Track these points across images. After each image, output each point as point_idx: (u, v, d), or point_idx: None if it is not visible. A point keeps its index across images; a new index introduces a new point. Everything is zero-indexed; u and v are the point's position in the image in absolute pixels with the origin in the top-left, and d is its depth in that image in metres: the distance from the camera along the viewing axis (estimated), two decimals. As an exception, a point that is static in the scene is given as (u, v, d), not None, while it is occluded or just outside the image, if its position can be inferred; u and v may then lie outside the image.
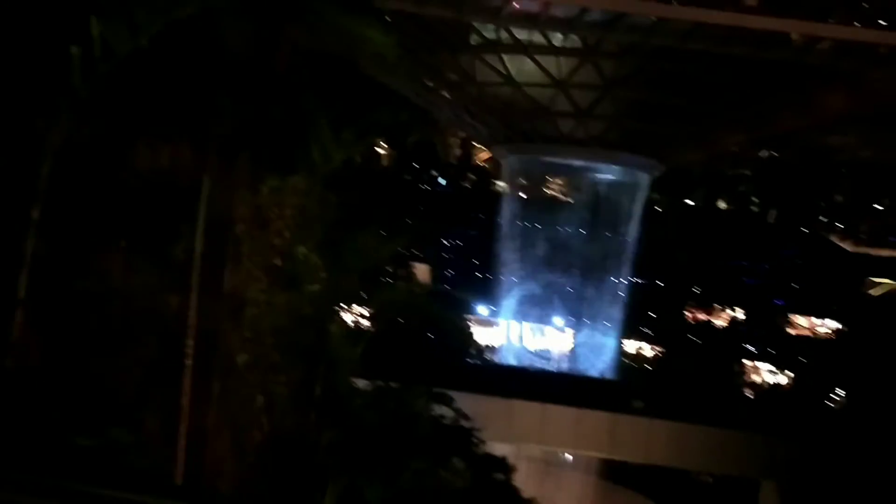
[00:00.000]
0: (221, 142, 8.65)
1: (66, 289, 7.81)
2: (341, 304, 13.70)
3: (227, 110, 8.41)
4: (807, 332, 56.35)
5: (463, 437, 15.91)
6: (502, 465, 17.06)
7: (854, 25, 33.87)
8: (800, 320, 57.33)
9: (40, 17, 7.26)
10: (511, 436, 28.91)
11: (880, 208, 61.03)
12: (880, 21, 34.04)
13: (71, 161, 7.23)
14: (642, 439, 30.25)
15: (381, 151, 60.00)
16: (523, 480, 18.27)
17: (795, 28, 33.57)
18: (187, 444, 8.63)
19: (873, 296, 55.66)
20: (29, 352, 7.10)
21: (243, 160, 9.60)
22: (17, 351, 6.70)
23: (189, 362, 8.73)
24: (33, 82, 7.16)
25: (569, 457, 42.19)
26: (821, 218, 62.34)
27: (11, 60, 7.19)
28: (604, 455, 34.98)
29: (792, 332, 56.26)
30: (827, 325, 55.93)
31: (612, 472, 39.85)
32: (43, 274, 7.10)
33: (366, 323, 19.40)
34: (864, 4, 34.55)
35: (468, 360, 42.29)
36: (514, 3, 33.46)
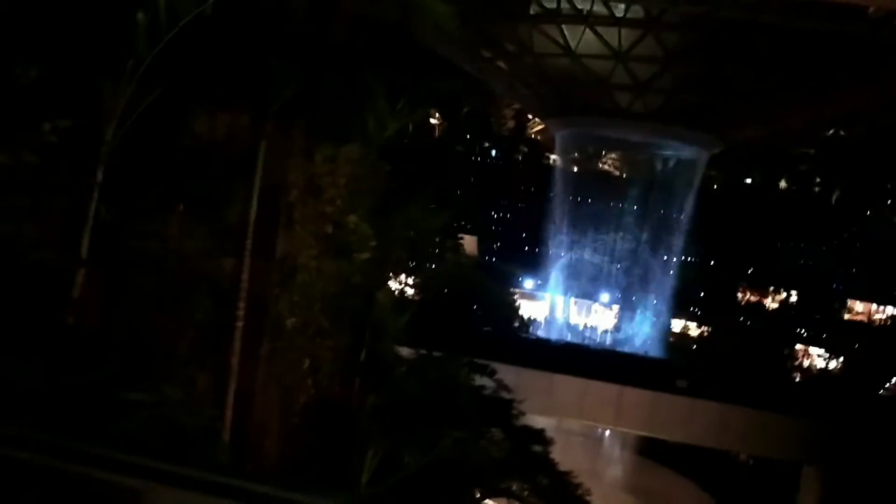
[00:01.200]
0: (278, 110, 8.75)
1: (125, 250, 8.09)
2: (389, 274, 13.85)
3: (284, 79, 8.49)
4: (862, 318, 54.69)
5: (503, 409, 16.02)
6: (541, 438, 17.14)
7: (937, 1, 32.00)
8: (857, 306, 55.62)
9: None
10: (551, 409, 28.96)
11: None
12: (966, -3, 32.06)
13: (133, 125, 7.42)
14: (683, 418, 29.96)
15: (434, 122, 59.79)
16: (561, 453, 18.33)
17: (874, 1, 31.87)
18: (235, 403, 8.92)
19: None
20: (88, 310, 7.40)
21: (299, 128, 9.71)
22: (77, 309, 7.00)
23: (240, 324, 8.98)
24: (99, 47, 7.33)
25: (607, 432, 42.14)
26: (887, 201, 59.92)
27: (79, 26, 7.37)
28: (644, 433, 34.80)
29: (847, 317, 54.66)
30: (887, 312, 54.17)
31: (651, 450, 39.70)
32: (104, 234, 7.36)
33: (412, 292, 19.59)
34: (949, -21, 32.57)
35: (512, 332, 42.36)
36: (576, -28, 32.60)
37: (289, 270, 10.17)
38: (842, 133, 61.03)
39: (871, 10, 32.36)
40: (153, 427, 5.92)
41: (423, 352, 14.35)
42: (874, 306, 55.55)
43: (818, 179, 61.56)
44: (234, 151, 9.01)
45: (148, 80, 7.35)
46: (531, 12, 38.68)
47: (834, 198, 60.69)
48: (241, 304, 8.99)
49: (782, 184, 62.45)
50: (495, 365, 16.15)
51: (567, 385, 29.85)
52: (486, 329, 34.73)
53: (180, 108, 8.40)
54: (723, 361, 42.35)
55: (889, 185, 60.36)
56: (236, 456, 8.41)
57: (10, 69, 7.05)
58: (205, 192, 8.81)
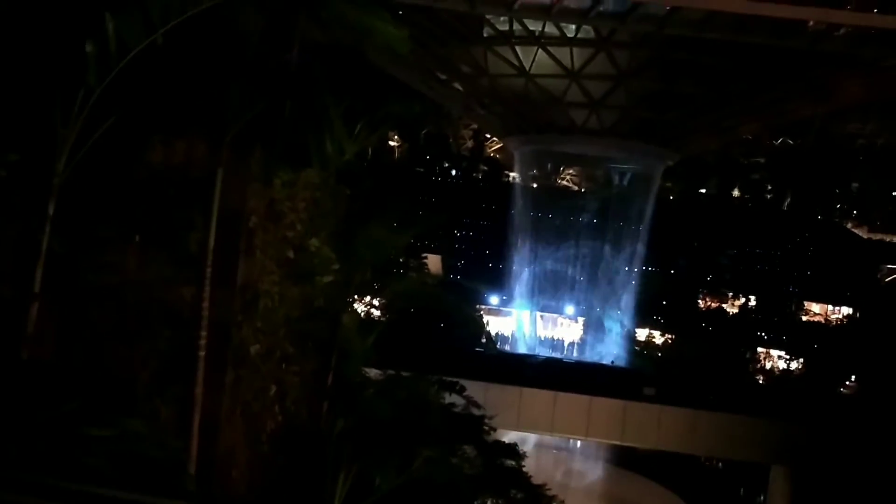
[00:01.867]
0: (235, 136, 8.73)
1: (81, 282, 7.95)
2: (354, 296, 13.80)
3: (240, 105, 8.49)
4: (820, 319, 56.05)
5: (474, 426, 16.01)
6: (513, 452, 17.16)
7: (872, 13, 33.40)
8: (814, 307, 57.01)
9: (56, 13, 7.35)
10: (522, 424, 29.04)
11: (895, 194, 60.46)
12: (898, 7, 33.55)
13: (86, 156, 7.34)
14: (654, 426, 30.31)
15: (394, 144, 60.03)
16: (534, 467, 18.38)
17: (812, 15, 33.12)
18: (200, 434, 8.77)
19: (888, 282, 55.33)
20: (44, 344, 7.24)
21: (256, 154, 9.68)
22: (32, 343, 6.84)
23: (203, 353, 8.86)
24: (49, 78, 7.25)
25: (579, 443, 42.33)
26: (836, 205, 61.83)
27: (27, 57, 7.29)
28: (615, 442, 35.06)
29: (805, 318, 55.99)
30: (841, 313, 55.64)
31: (622, 459, 39.95)
32: (58, 267, 7.23)
33: (378, 313, 19.53)
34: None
35: (480, 349, 42.42)
36: (526, -6, 33.26)
37: (251, 297, 10.08)
38: (790, 142, 63.00)
39: (811, 24, 33.62)
40: (117, 461, 5.80)
41: (391, 372, 14.30)
42: (830, 307, 57.05)
43: (770, 187, 63.34)
44: (192, 179, 8.94)
45: (100, 110, 7.28)
46: (484, 34, 39.27)
47: (785, 204, 62.47)
48: (203, 333, 8.88)
49: (735, 192, 64.09)
50: (464, 382, 16.17)
51: (537, 398, 30.01)
52: (453, 346, 34.74)
53: (134, 137, 8.32)
54: (688, 367, 42.99)
55: (837, 190, 62.37)
56: (204, 486, 8.26)
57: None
58: (162, 221, 8.72)
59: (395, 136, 58.36)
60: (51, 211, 7.07)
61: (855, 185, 61.94)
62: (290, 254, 10.88)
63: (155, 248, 8.70)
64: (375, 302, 20.46)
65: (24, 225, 7.08)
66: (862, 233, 60.29)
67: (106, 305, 8.09)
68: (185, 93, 8.33)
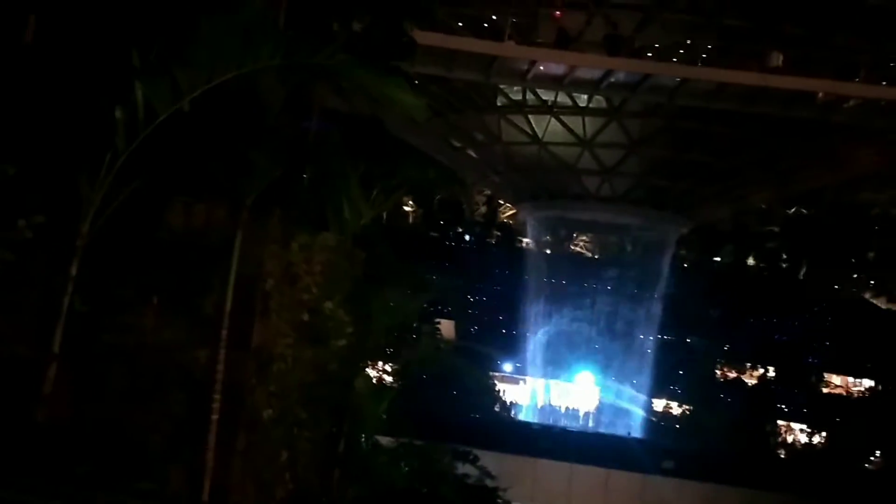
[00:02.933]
0: (255, 200, 8.88)
1: (99, 342, 7.97)
2: (367, 360, 13.71)
3: (261, 170, 8.67)
4: (841, 391, 54.81)
5: (487, 497, 15.62)
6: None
7: (881, 84, 33.94)
8: (835, 379, 55.84)
9: (87, 79, 7.63)
10: (537, 496, 28.23)
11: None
12: (907, 80, 34.12)
13: (109, 218, 7.48)
14: (672, 500, 29.37)
15: (408, 209, 60.69)
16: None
17: (821, 87, 33.70)
18: (211, 500, 8.60)
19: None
20: (60, 405, 7.22)
21: (275, 218, 9.83)
22: (49, 404, 6.82)
23: (215, 417, 8.77)
24: (77, 143, 7.47)
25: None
26: (853, 275, 61.32)
27: (57, 121, 7.54)
28: (633, 518, 33.92)
29: (826, 391, 54.77)
30: (863, 385, 54.40)
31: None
32: (78, 328, 7.27)
33: (390, 379, 19.35)
34: (891, 64, 34.68)
35: (493, 417, 41.68)
36: (539, 66, 34.13)
37: (265, 360, 10.04)
38: (804, 211, 63.14)
39: (820, 95, 34.20)
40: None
41: (404, 440, 14.07)
42: (851, 379, 55.84)
43: (785, 256, 63.05)
44: (211, 242, 9.06)
45: (125, 174, 7.46)
46: (498, 103, 40.18)
47: (801, 273, 62.01)
48: (217, 396, 8.81)
49: (750, 261, 63.82)
50: (478, 451, 15.86)
51: (552, 470, 29.27)
52: (467, 415, 34.16)
53: (157, 200, 8.50)
54: (707, 439, 41.91)
55: (853, 260, 61.95)
56: (212, 556, 8.05)
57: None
58: (180, 283, 8.80)
59: (410, 202, 59.08)
60: (73, 272, 7.17)
61: (871, 254, 61.63)
62: (305, 317, 10.89)
63: (172, 310, 8.75)
64: (388, 367, 20.27)
65: (47, 285, 7.17)
66: (880, 303, 59.62)
67: (122, 367, 8.09)
68: (207, 157, 8.53)
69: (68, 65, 7.65)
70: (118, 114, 7.28)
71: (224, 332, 8.84)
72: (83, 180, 7.41)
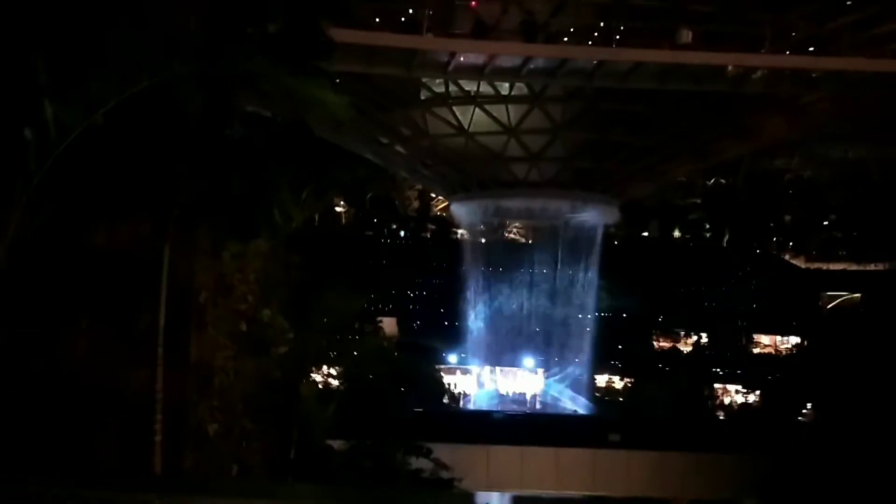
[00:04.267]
0: (180, 212, 8.65)
1: (29, 371, 7.63)
2: (311, 365, 13.58)
3: (184, 181, 8.45)
4: (770, 351, 57.31)
5: (443, 490, 15.71)
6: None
7: (785, 54, 35.49)
8: (763, 339, 58.31)
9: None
10: (492, 483, 28.54)
11: (827, 224, 63.10)
12: (810, 48, 35.77)
13: (28, 243, 7.16)
14: (623, 472, 30.18)
15: (340, 209, 60.11)
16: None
17: (729, 60, 35.01)
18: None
19: (830, 309, 57.13)
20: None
21: (203, 228, 9.60)
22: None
23: (158, 438, 8.54)
24: (-15, 167, 7.11)
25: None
26: (773, 238, 64.13)
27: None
28: (586, 492, 34.72)
29: (756, 351, 57.15)
30: (789, 342, 57.00)
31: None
32: (4, 357, 6.94)
33: (336, 382, 19.20)
34: (792, 33, 36.31)
35: (443, 409, 41.85)
36: (460, 57, 34.29)
37: (205, 374, 9.83)
38: (723, 181, 65.61)
39: (729, 69, 35.56)
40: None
41: (355, 441, 14.01)
42: (778, 338, 58.40)
43: (708, 226, 65.39)
44: (138, 258, 8.78)
45: (41, 195, 7.15)
46: (422, 97, 40.18)
47: (725, 241, 64.45)
48: (158, 417, 8.58)
49: (676, 233, 65.94)
50: (431, 444, 15.94)
51: (504, 455, 29.62)
52: (416, 409, 34.19)
53: (78, 220, 8.17)
54: (650, 409, 43.18)
55: (772, 224, 64.77)
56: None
57: None
58: (110, 304, 8.50)
59: (341, 202, 58.50)
60: (-8, 301, 6.84)
61: (788, 217, 64.57)
62: (243, 326, 10.70)
63: (104, 331, 8.45)
64: (333, 371, 20.11)
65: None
66: (800, 263, 62.58)
67: (56, 393, 7.77)
68: (127, 172, 8.26)
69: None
70: (27, 133, 6.95)
71: (160, 350, 8.60)
72: (-5, 206, 7.06)
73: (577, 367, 46.19)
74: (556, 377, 46.44)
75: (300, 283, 12.10)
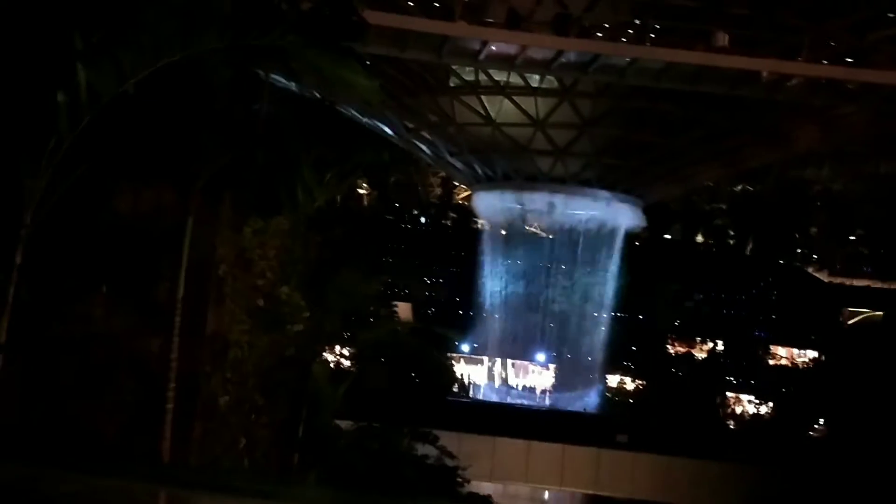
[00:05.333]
0: (205, 184, 8.72)
1: (47, 333, 7.77)
2: (324, 345, 13.67)
3: (210, 153, 8.51)
4: (787, 363, 56.74)
5: (447, 477, 15.78)
6: (487, 505, 16.93)
7: (822, 63, 34.92)
8: (780, 351, 57.72)
9: (27, 63, 7.35)
10: (496, 474, 28.63)
11: (853, 239, 62.16)
12: (847, 59, 35.16)
13: (55, 205, 7.26)
14: (627, 473, 30.11)
15: (363, 192, 60.23)
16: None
17: (765, 66, 34.53)
18: (169, 489, 8.49)
19: (850, 325, 56.38)
20: (8, 396, 7.02)
21: (227, 202, 9.67)
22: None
23: (170, 406, 8.65)
24: (18, 129, 7.21)
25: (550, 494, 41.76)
26: (797, 250, 63.29)
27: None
28: (590, 492, 34.71)
29: (772, 362, 56.60)
30: (807, 356, 56.37)
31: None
32: (25, 318, 7.07)
33: (348, 363, 19.31)
34: (831, 43, 35.70)
35: (451, 398, 41.97)
36: (491, 46, 34.11)
37: (220, 347, 9.93)
38: (750, 188, 64.82)
39: (764, 74, 35.07)
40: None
41: (363, 423, 14.10)
42: (795, 350, 57.78)
43: (732, 233, 64.66)
44: (160, 227, 8.88)
45: (69, 160, 7.24)
46: (451, 84, 40.06)
47: (748, 249, 63.70)
48: (171, 385, 8.69)
49: (699, 238, 65.29)
50: (437, 432, 15.99)
51: (510, 448, 29.68)
52: (425, 396, 34.31)
53: (103, 186, 8.27)
54: (659, 413, 42.97)
55: (797, 235, 63.91)
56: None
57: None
58: (130, 271, 8.60)
59: (365, 184, 58.63)
60: (18, 260, 6.95)
61: (814, 229, 63.70)
62: (261, 302, 10.79)
63: (122, 298, 8.56)
64: (346, 351, 20.23)
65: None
66: (823, 277, 61.75)
67: (72, 357, 7.90)
68: (155, 141, 8.33)
69: (6, 49, 7.35)
70: (60, 97, 7.04)
71: (177, 320, 8.70)
72: (25, 166, 7.16)
73: (590, 365, 46.05)
74: (567, 373, 46.29)
75: (319, 263, 12.15)
